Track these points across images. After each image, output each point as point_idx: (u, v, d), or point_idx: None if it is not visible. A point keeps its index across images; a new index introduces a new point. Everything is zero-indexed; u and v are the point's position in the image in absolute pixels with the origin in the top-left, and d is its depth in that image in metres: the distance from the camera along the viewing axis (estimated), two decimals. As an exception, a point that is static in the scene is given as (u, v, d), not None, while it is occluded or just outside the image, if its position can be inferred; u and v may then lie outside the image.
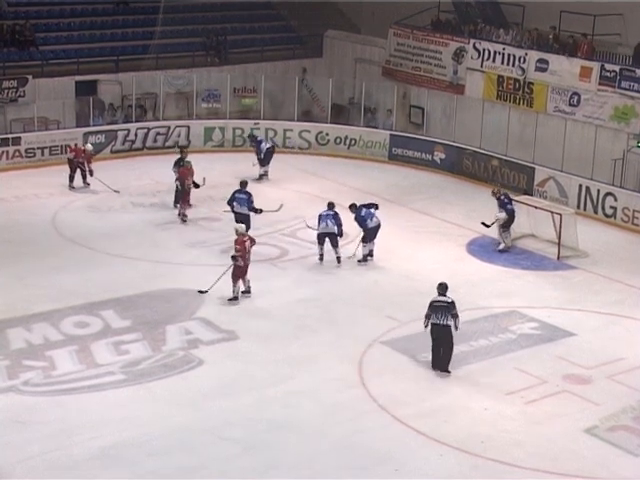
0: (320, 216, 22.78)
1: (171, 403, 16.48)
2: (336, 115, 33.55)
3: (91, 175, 27.64)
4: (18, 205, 26.54)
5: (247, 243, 20.46)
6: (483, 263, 23.49)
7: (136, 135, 31.52)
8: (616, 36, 29.09)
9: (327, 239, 22.63)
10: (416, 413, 16.31)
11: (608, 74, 27.91)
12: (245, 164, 29.52)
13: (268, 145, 29.57)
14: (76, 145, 29.04)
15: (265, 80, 33.24)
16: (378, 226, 22.88)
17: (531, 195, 27.23)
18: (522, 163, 28.84)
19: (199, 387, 17.03)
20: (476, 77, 31.64)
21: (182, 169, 25.67)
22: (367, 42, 35.89)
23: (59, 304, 19.89)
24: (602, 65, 28.15)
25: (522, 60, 30.13)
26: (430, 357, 18.01)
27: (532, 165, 28.56)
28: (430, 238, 24.91)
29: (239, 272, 20.45)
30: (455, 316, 17.53)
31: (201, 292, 20.73)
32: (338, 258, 22.80)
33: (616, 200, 26.47)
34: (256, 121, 32.72)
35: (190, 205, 25.70)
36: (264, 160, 29.15)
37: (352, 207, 23.03)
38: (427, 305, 17.73)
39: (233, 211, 23.81)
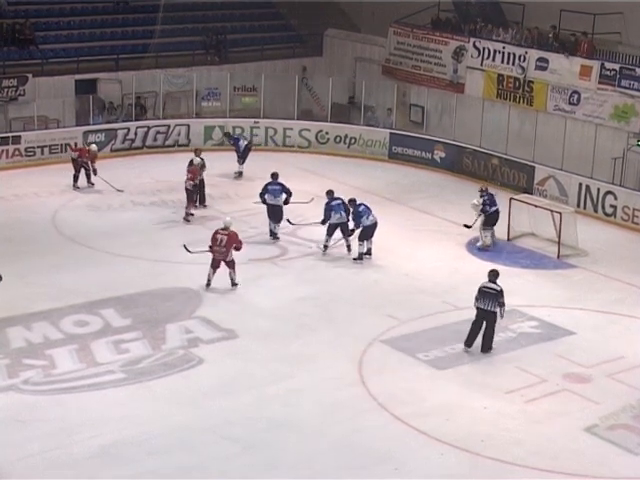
0: (332, 207, 22.96)
1: (171, 402, 16.48)
2: (336, 114, 33.53)
3: (95, 174, 27.61)
4: (18, 204, 26.54)
5: (224, 238, 20.54)
6: (483, 262, 23.45)
7: (136, 134, 31.50)
8: (616, 35, 29.08)
9: (338, 229, 23.02)
10: (416, 412, 16.31)
11: (608, 73, 27.91)
12: (246, 163, 29.52)
13: (245, 142, 29.58)
14: (76, 144, 29.05)
15: (265, 79, 33.22)
16: (375, 224, 22.88)
17: (531, 194, 27.22)
18: (522, 162, 28.83)
19: (199, 386, 17.04)
20: (476, 76, 31.64)
21: (192, 169, 25.59)
22: (367, 41, 35.88)
23: (59, 303, 19.90)
24: (602, 64, 28.15)
25: (522, 59, 30.13)
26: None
27: (532, 164, 28.55)
28: (430, 237, 24.91)
29: (214, 262, 20.82)
30: (502, 304, 18.18)
31: (186, 249, 21.33)
32: (349, 246, 23.05)
33: (616, 199, 26.46)
34: (256, 120, 32.71)
35: (205, 206, 25.94)
36: (241, 158, 29.16)
37: (351, 202, 23.11)
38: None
39: (265, 203, 24.07)
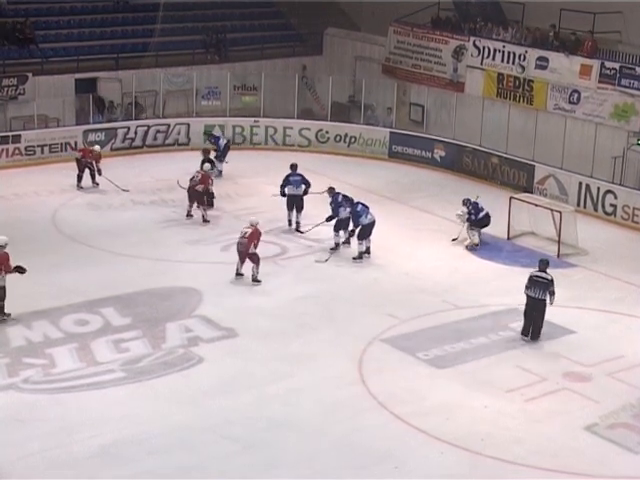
0: (339, 202, 23.20)
1: (171, 401, 16.48)
2: (336, 113, 33.53)
3: (99, 174, 27.58)
4: (18, 203, 26.55)
5: (247, 231, 21.22)
6: (483, 261, 23.50)
7: (136, 133, 31.50)
8: (616, 34, 29.09)
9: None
10: (416, 411, 16.31)
11: (608, 72, 27.92)
12: (245, 162, 29.56)
13: (225, 141, 29.58)
14: (76, 144, 29.05)
15: (265, 78, 33.22)
16: (373, 223, 22.93)
17: (531, 193, 27.23)
18: (522, 161, 28.83)
19: (199, 385, 17.03)
20: (476, 75, 31.64)
21: (203, 175, 25.35)
22: (367, 40, 35.89)
23: (59, 302, 19.90)
24: (602, 63, 28.15)
25: (522, 58, 30.13)
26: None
27: (532, 163, 28.55)
28: (430, 236, 24.90)
29: (240, 255, 21.33)
30: (552, 293, 18.70)
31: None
32: (348, 240, 23.36)
33: (616, 198, 26.46)
34: (256, 119, 32.71)
35: (210, 206, 25.91)
36: (221, 156, 29.13)
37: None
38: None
39: (284, 195, 24.63)
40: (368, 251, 23.04)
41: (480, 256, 23.74)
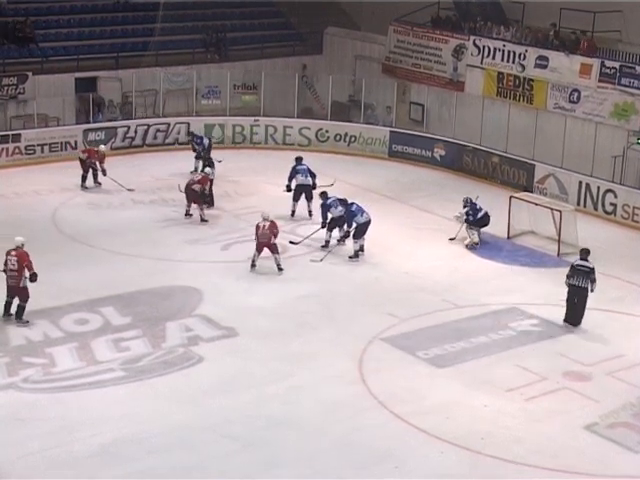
0: (328, 205, 23.32)
1: (171, 400, 16.48)
2: (336, 112, 33.52)
3: (104, 175, 27.54)
4: (18, 202, 26.55)
5: (266, 224, 21.83)
6: (483, 260, 23.50)
7: (136, 132, 31.50)
8: (616, 33, 29.10)
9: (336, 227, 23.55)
10: (416, 410, 16.31)
11: (608, 71, 27.92)
12: (245, 161, 29.55)
13: (207, 140, 29.53)
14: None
15: (265, 77, 33.21)
16: (368, 222, 22.98)
17: (531, 192, 27.22)
18: (522, 160, 28.83)
19: (199, 384, 17.03)
20: (476, 74, 31.64)
21: (203, 177, 25.36)
22: (367, 39, 35.88)
23: (59, 301, 19.90)
24: (602, 62, 28.15)
25: (522, 57, 30.13)
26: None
27: (532, 162, 28.55)
28: (430, 235, 24.90)
29: (258, 246, 21.95)
30: (593, 280, 19.42)
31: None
32: (343, 238, 23.50)
33: (616, 197, 26.46)
34: (256, 118, 32.71)
35: (210, 205, 25.95)
36: (205, 157, 28.93)
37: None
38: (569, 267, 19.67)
39: (290, 190, 25.23)
40: (362, 249, 23.09)
41: (480, 255, 23.74)
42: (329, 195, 23.72)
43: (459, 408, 16.48)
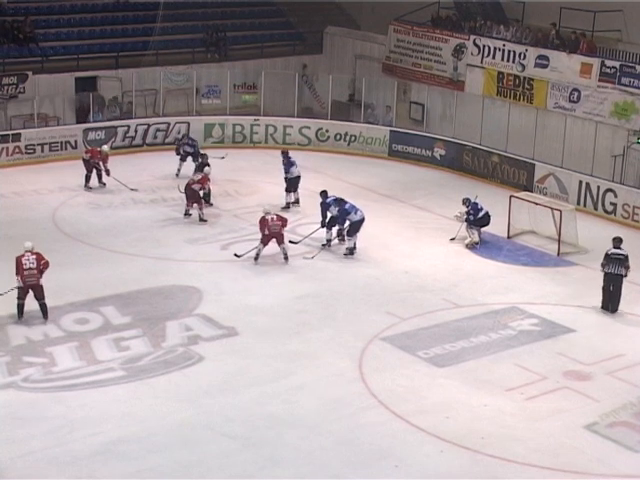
0: (328, 204, 23.35)
1: (171, 399, 16.49)
2: (336, 111, 33.52)
3: (108, 175, 27.53)
4: (18, 201, 26.55)
5: (273, 217, 22.29)
6: (483, 259, 23.49)
7: (136, 131, 31.51)
8: (616, 32, 29.11)
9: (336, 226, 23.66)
10: (416, 409, 16.32)
11: (608, 70, 27.92)
12: (246, 161, 29.54)
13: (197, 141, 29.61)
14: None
15: (265, 76, 33.23)
16: (362, 219, 23.06)
17: (531, 191, 27.23)
18: (522, 159, 28.83)
19: (199, 383, 17.04)
20: (476, 73, 31.64)
21: (202, 177, 25.36)
22: (367, 38, 35.90)
23: (59, 300, 19.90)
24: (602, 61, 28.15)
25: (522, 56, 30.13)
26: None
27: (532, 161, 28.55)
28: (430, 234, 24.90)
29: (265, 239, 22.36)
30: (627, 267, 20.29)
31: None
32: (343, 236, 23.56)
33: (616, 196, 26.47)
34: (256, 117, 32.71)
35: (209, 204, 25.99)
36: (195, 160, 28.86)
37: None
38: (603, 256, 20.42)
39: (289, 179, 25.88)
40: (355, 246, 23.17)
41: (480, 254, 23.74)
42: (329, 194, 23.72)
43: (459, 407, 16.49)
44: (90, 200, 26.83)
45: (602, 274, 20.47)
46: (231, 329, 19.13)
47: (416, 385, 17.20)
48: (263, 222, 22.28)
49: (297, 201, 26.27)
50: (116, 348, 18.20)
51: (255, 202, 26.28)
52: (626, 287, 21.78)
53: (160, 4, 34.49)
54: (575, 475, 14.72)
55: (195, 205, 25.07)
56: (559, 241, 23.91)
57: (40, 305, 19.08)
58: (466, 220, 24.08)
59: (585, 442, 15.58)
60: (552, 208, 24.30)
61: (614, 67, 27.84)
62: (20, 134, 29.81)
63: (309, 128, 32.60)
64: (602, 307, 20.51)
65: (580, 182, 27.24)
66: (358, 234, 23.13)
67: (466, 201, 24.25)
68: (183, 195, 25.33)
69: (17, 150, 29.61)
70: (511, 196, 25.15)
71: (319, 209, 23.64)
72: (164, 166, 29.28)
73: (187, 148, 28.88)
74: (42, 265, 19.08)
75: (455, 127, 31.25)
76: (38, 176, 28.42)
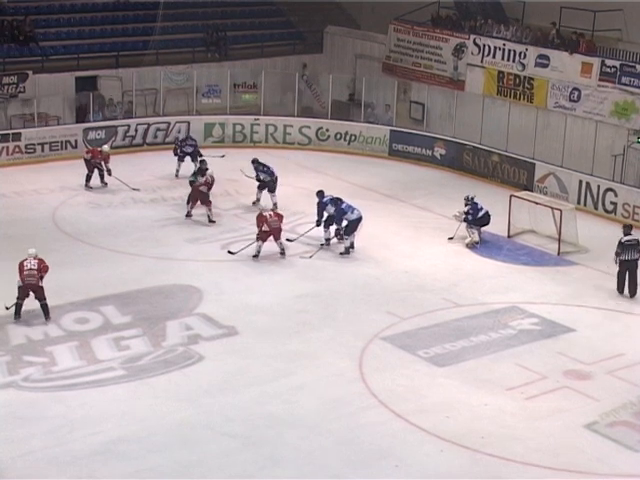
0: (325, 204, 23.36)
1: (171, 399, 16.49)
2: (336, 111, 33.51)
3: (109, 175, 27.54)
4: (18, 201, 26.55)
5: (272, 214, 22.67)
6: (483, 259, 23.49)
7: (136, 131, 31.50)
8: (616, 32, 29.09)
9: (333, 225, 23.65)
10: (416, 409, 16.32)
11: (608, 70, 27.91)
12: (246, 160, 29.48)
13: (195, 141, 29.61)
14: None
15: (265, 76, 33.22)
16: (359, 218, 23.06)
17: (531, 191, 27.22)
18: (522, 159, 28.82)
19: (199, 383, 17.04)
20: (476, 73, 31.63)
21: (205, 179, 25.36)
22: (367, 38, 35.88)
23: (59, 300, 19.89)
24: (602, 61, 28.13)
25: (522, 56, 30.12)
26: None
27: (532, 161, 28.54)
28: (430, 234, 24.89)
29: (263, 235, 22.54)
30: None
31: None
32: (341, 236, 23.59)
33: (616, 196, 26.46)
34: (256, 117, 32.71)
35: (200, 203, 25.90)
36: (194, 160, 28.84)
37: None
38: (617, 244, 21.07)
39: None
40: (352, 246, 23.16)
41: (480, 254, 23.74)
42: (326, 194, 23.70)
43: (459, 407, 16.49)
44: (90, 200, 26.83)
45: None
46: (231, 328, 19.14)
47: (416, 385, 17.20)
48: (261, 218, 22.41)
49: (259, 200, 26.07)
50: (116, 347, 18.20)
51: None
52: (626, 286, 21.86)
53: (160, 4, 34.46)
54: (575, 474, 14.72)
55: (204, 206, 25.01)
56: (559, 240, 23.91)
57: (41, 306, 19.10)
58: (465, 220, 24.07)
59: (585, 441, 15.58)
60: (552, 207, 24.29)
61: (614, 66, 27.84)
62: (20, 133, 29.79)
63: (309, 127, 32.59)
64: (618, 291, 21.20)
65: (580, 181, 27.24)
66: (356, 233, 23.18)
67: (467, 199, 24.23)
68: (184, 194, 25.30)
69: (17, 149, 29.60)
70: (511, 195, 25.14)
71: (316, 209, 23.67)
72: (164, 166, 29.28)
73: (187, 148, 28.89)
74: (42, 268, 19.16)
75: (455, 127, 31.24)
76: (38, 175, 28.42)
